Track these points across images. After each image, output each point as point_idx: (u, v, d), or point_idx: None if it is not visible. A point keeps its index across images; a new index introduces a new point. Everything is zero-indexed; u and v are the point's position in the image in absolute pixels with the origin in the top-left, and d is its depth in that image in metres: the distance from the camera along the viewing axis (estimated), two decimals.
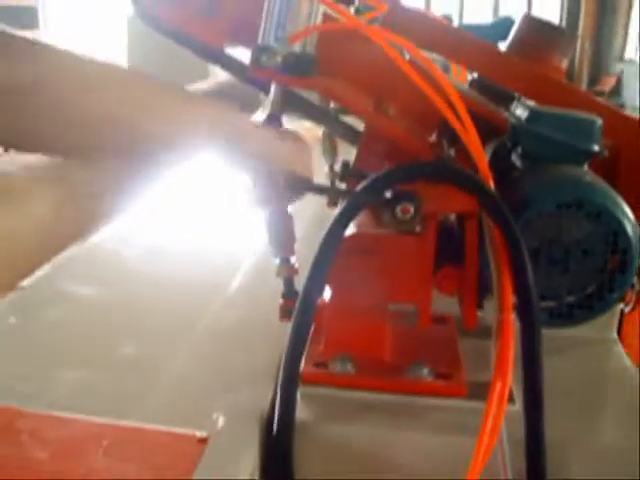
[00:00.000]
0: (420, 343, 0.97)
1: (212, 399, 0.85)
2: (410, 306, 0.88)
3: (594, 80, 7.32)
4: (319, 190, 0.85)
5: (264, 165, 0.78)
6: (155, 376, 0.94)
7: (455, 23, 5.63)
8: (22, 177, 0.59)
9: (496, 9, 8.81)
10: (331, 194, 0.88)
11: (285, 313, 0.88)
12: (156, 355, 1.00)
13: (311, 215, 1.17)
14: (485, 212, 0.76)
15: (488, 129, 0.88)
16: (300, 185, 0.80)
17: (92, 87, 0.65)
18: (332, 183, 1.36)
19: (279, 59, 0.80)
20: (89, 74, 0.66)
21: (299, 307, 0.74)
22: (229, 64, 0.94)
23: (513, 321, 0.73)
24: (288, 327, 0.76)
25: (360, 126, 0.96)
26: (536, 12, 8.71)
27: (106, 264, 1.29)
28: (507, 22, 4.78)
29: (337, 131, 1.00)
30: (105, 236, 1.36)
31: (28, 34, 0.68)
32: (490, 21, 7.41)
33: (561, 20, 7.87)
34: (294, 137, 0.82)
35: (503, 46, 1.02)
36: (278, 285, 0.91)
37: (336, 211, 0.76)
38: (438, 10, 8.38)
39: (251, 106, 1.27)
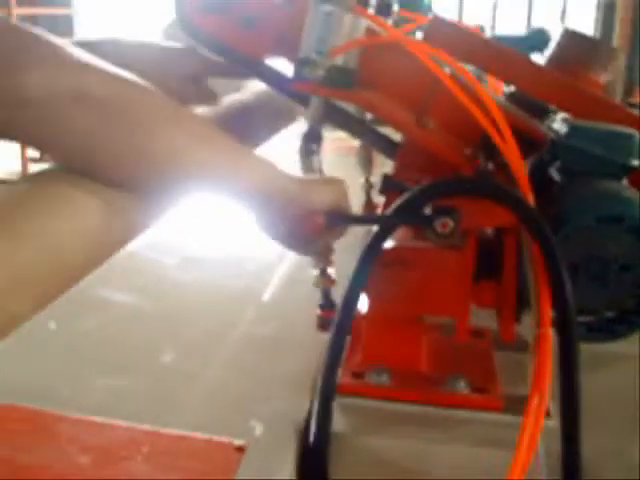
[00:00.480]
0: (457, 355, 0.97)
1: (249, 408, 0.85)
2: (447, 318, 0.88)
3: (628, 92, 7.25)
4: (360, 221, 0.85)
5: (305, 210, 0.77)
6: (192, 384, 0.95)
7: (488, 34, 5.60)
8: (69, 188, 0.60)
9: (529, 20, 8.77)
10: (370, 223, 0.87)
11: (322, 324, 0.89)
12: (193, 363, 1.01)
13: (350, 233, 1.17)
14: (524, 227, 0.76)
15: (526, 143, 0.88)
16: (342, 220, 0.79)
17: (139, 120, 0.64)
18: (367, 194, 1.37)
19: (321, 72, 0.81)
20: (136, 103, 0.65)
21: (338, 319, 0.74)
22: (267, 76, 0.95)
23: (551, 336, 0.72)
24: (324, 337, 0.76)
25: (396, 137, 0.96)
26: (570, 22, 8.66)
27: (143, 272, 1.30)
28: (541, 34, 4.75)
29: (374, 144, 1.01)
30: (142, 244, 1.37)
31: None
32: (523, 32, 7.37)
33: (595, 31, 7.82)
34: (331, 180, 0.81)
35: (536, 57, 1.02)
36: (312, 294, 0.91)
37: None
38: (471, 21, 8.37)
39: (287, 116, 1.28)
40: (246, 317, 1.13)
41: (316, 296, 0.92)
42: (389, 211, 0.77)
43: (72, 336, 1.06)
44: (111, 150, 0.63)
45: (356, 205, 1.33)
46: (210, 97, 1.01)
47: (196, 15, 0.92)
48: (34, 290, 0.55)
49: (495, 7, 8.86)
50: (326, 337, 0.76)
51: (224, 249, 1.48)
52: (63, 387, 0.92)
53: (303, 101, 0.92)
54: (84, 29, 8.47)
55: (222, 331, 1.09)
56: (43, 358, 1.00)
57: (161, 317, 1.14)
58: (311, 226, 0.76)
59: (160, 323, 1.12)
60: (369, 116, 1.06)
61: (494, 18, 8.87)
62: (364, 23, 0.85)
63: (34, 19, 7.79)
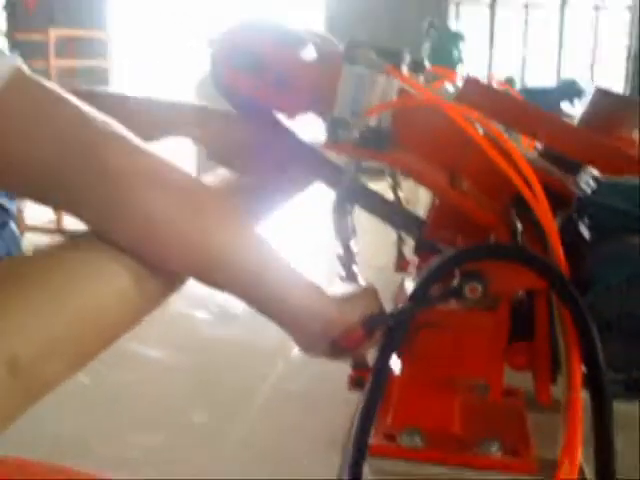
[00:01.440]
0: (489, 416, 0.96)
1: (280, 466, 0.85)
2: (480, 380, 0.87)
3: None
4: (397, 316, 0.85)
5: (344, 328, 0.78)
6: (222, 441, 0.95)
7: (517, 85, 5.63)
8: (106, 250, 0.61)
9: (559, 70, 8.81)
10: (405, 314, 0.87)
11: (354, 383, 0.88)
12: (223, 420, 1.01)
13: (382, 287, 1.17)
14: (553, 291, 0.75)
15: (558, 199, 0.88)
16: (380, 322, 0.80)
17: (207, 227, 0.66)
18: (399, 249, 1.37)
19: (355, 134, 0.81)
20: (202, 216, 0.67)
21: (371, 381, 0.74)
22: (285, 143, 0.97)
23: (581, 399, 0.72)
24: (355, 396, 0.76)
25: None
26: (600, 71, 8.67)
27: (176, 327, 1.31)
28: (571, 84, 4.75)
29: (401, 226, 1.02)
30: (176, 298, 1.38)
31: None
32: (553, 83, 7.40)
33: (626, 82, 7.83)
34: (365, 293, 0.82)
35: (567, 107, 1.02)
36: None
37: (408, 290, 0.77)
38: (500, 71, 8.43)
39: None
40: (276, 373, 1.13)
41: None
42: (421, 292, 0.77)
43: (106, 391, 1.07)
44: (174, 235, 0.64)
45: (388, 260, 1.33)
46: (244, 169, 0.98)
47: (230, 74, 0.93)
48: (73, 350, 0.55)
49: (524, 58, 8.93)
50: (357, 396, 0.76)
51: None
52: (97, 442, 0.93)
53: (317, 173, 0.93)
54: (119, 80, 8.64)
55: (252, 387, 1.09)
56: (77, 413, 1.00)
57: (193, 372, 1.15)
58: (351, 340, 0.76)
59: (192, 378, 1.13)
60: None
61: (524, 69, 8.93)
62: (397, 83, 0.85)
63: (72, 71, 8.00)
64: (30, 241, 5.45)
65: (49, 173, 0.60)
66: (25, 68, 0.60)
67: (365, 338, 0.77)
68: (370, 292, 0.81)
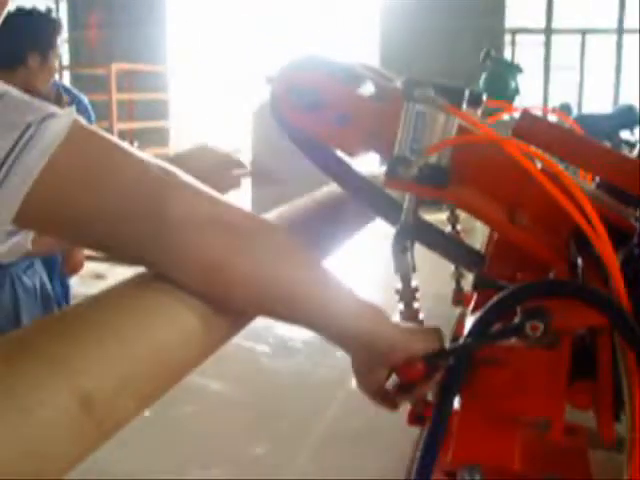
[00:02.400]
0: (550, 454, 0.94)
1: None
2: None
3: None
4: (457, 351, 0.85)
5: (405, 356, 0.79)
6: (282, 476, 0.95)
7: (574, 112, 5.57)
8: (172, 290, 0.63)
9: (616, 97, 8.69)
10: (465, 351, 0.87)
11: (413, 419, 0.88)
12: (281, 454, 1.01)
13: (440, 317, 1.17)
14: (615, 329, 0.75)
15: (619, 234, 0.87)
16: (441, 358, 0.80)
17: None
18: (457, 282, 1.36)
19: (415, 170, 0.82)
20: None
21: (434, 418, 0.74)
22: (344, 181, 0.98)
23: None
24: (414, 432, 0.76)
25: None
26: None
27: (236, 360, 1.32)
28: (629, 111, 4.68)
29: (459, 259, 1.02)
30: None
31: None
32: (609, 109, 7.30)
33: None
34: (430, 330, 0.83)
35: (625, 135, 1.01)
36: None
37: (468, 325, 0.77)
38: (557, 99, 8.35)
39: None
40: (334, 408, 1.13)
41: None
42: (480, 328, 0.77)
43: (166, 424, 1.09)
44: (238, 277, 0.66)
45: (447, 290, 1.33)
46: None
47: (290, 111, 0.95)
48: (142, 388, 0.57)
49: (581, 84, 8.84)
50: (417, 432, 0.76)
51: (314, 336, 1.49)
52: (157, 476, 0.94)
53: (377, 209, 0.94)
54: (178, 112, 8.80)
55: (310, 421, 1.10)
56: (137, 445, 1.02)
57: (253, 405, 1.16)
58: (412, 372, 0.77)
59: (252, 411, 1.14)
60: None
61: (581, 94, 8.84)
62: (456, 120, 0.86)
63: (132, 103, 8.17)
64: (91, 270, 5.56)
65: (113, 223, 0.62)
66: (82, 121, 0.62)
67: (425, 372, 0.77)
68: (434, 331, 0.82)
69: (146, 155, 0.64)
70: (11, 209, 0.57)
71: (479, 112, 1.12)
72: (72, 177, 0.60)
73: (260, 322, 1.51)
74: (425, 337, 0.80)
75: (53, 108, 0.60)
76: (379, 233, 1.03)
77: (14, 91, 0.61)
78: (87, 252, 5.74)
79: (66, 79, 8.77)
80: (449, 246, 0.98)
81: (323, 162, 0.97)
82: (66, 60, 9.43)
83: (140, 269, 0.68)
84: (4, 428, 0.43)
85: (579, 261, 0.87)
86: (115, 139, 0.64)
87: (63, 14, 9.35)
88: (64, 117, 0.60)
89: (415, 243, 0.89)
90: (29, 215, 0.59)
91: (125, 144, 0.64)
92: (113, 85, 7.31)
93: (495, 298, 0.77)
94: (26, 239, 0.77)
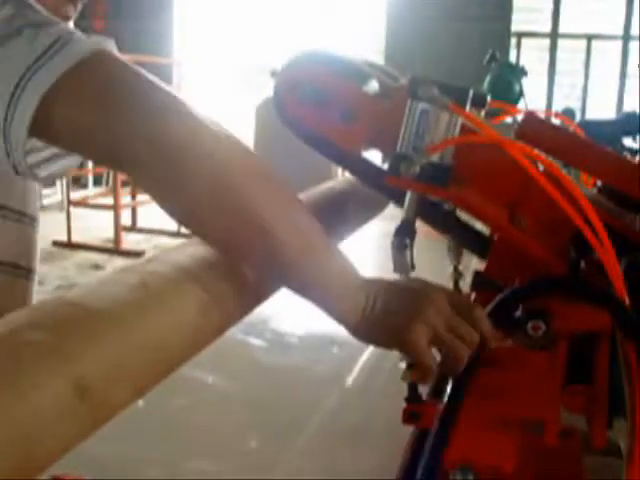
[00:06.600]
0: (544, 456, 0.94)
1: None
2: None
3: None
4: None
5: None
6: (272, 471, 0.95)
7: (577, 118, 5.57)
8: (174, 279, 0.63)
9: (620, 103, 8.69)
10: None
11: (408, 417, 0.88)
12: (275, 449, 1.01)
13: None
14: (620, 331, 0.74)
15: (620, 239, 0.87)
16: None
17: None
18: (456, 283, 1.36)
19: (417, 169, 0.82)
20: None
21: (440, 420, 0.74)
22: (358, 169, 0.98)
23: None
24: (408, 430, 0.76)
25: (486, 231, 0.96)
26: None
27: (232, 354, 1.32)
28: (632, 117, 4.67)
29: (463, 240, 1.01)
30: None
31: None
32: (613, 115, 7.30)
33: None
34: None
35: (628, 140, 1.02)
36: (396, 383, 0.90)
37: None
38: (560, 103, 8.35)
39: (378, 204, 1.30)
40: (329, 404, 1.13)
41: (400, 385, 0.92)
42: None
43: (158, 415, 1.08)
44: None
45: None
46: None
47: (293, 106, 0.94)
48: (137, 377, 0.57)
49: (585, 90, 8.83)
50: (410, 430, 0.76)
51: (310, 331, 1.49)
52: (147, 466, 0.94)
53: (393, 195, 0.93)
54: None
55: (305, 417, 1.09)
56: (129, 435, 1.02)
57: (246, 399, 1.16)
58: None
59: (245, 405, 1.13)
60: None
61: (584, 100, 8.83)
62: (460, 120, 0.86)
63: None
64: (89, 260, 5.56)
65: (121, 140, 0.62)
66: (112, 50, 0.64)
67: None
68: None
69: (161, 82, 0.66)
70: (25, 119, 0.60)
71: (483, 113, 1.12)
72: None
73: (256, 316, 1.51)
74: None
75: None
76: (378, 231, 1.03)
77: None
78: (84, 242, 5.73)
79: None
80: (456, 227, 0.98)
81: (330, 152, 0.96)
82: None
83: (136, 261, 0.68)
84: None
85: (581, 263, 0.87)
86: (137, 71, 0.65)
87: None
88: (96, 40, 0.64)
89: (414, 242, 0.88)
90: (43, 126, 0.61)
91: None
92: None
93: (498, 297, 0.77)
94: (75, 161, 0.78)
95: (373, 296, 0.73)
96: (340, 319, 0.73)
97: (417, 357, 0.74)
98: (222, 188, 0.64)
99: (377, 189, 0.97)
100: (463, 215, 1.06)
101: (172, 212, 0.66)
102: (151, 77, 0.66)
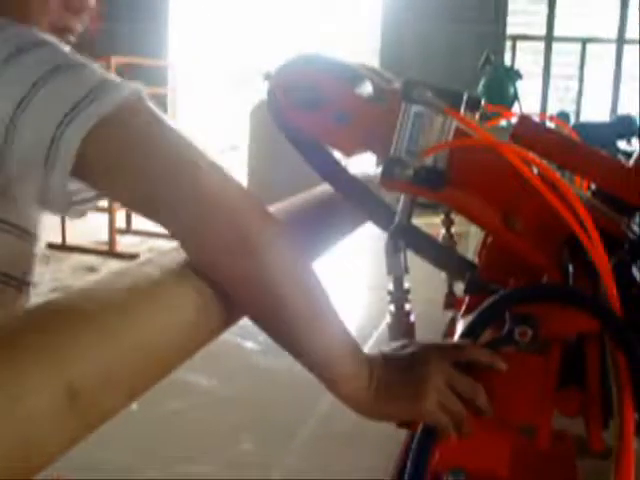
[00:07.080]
0: (536, 460, 0.94)
1: None
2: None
3: None
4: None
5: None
6: (267, 475, 0.95)
7: (572, 120, 5.59)
8: (164, 283, 0.63)
9: (615, 107, 8.71)
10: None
11: (402, 422, 0.88)
12: (269, 453, 1.01)
13: (431, 321, 1.17)
14: (607, 335, 0.75)
15: (612, 241, 0.87)
16: None
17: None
18: (450, 286, 1.36)
19: (411, 172, 0.82)
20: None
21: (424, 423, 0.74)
22: (340, 185, 0.97)
23: (634, 448, 0.70)
24: (402, 434, 0.76)
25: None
26: None
27: (225, 357, 1.32)
28: (627, 120, 4.69)
29: (449, 268, 1.01)
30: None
31: None
32: (607, 118, 7.32)
33: None
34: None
35: (622, 143, 1.01)
36: None
37: (459, 329, 0.77)
38: (555, 106, 8.37)
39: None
40: (323, 407, 1.12)
41: None
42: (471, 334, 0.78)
43: (153, 418, 1.08)
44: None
45: (438, 296, 1.32)
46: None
47: (287, 109, 0.94)
48: (129, 381, 0.57)
49: (580, 93, 8.85)
50: (404, 435, 0.76)
51: None
52: (142, 469, 0.93)
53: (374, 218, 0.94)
54: (178, 106, 8.76)
55: (299, 420, 1.09)
56: (124, 439, 1.01)
57: (241, 403, 1.15)
58: None
59: (240, 409, 1.13)
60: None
61: (579, 103, 8.85)
62: (454, 123, 0.86)
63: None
64: (84, 263, 5.55)
65: (152, 183, 0.65)
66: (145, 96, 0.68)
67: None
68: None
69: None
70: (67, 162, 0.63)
71: (477, 116, 1.12)
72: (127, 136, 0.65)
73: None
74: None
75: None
76: (372, 234, 1.03)
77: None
78: (78, 244, 5.72)
79: None
80: (441, 255, 0.98)
81: (318, 162, 0.96)
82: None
83: (130, 263, 0.68)
84: None
85: (570, 268, 0.87)
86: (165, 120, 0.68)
87: None
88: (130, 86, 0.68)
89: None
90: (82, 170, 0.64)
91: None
92: None
93: (486, 302, 0.77)
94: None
95: (376, 373, 0.75)
96: (347, 399, 0.76)
97: (435, 422, 0.76)
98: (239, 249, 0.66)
99: (353, 204, 0.97)
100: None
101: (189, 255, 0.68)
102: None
